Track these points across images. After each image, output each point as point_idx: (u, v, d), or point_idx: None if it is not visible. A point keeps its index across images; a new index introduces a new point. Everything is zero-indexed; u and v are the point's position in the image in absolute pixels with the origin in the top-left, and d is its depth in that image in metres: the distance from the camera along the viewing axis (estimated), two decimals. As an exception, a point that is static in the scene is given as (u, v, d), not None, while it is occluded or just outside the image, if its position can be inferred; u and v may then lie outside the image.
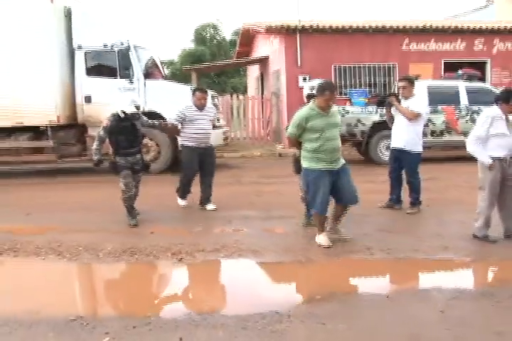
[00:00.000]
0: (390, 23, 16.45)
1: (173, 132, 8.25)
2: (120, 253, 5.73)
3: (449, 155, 13.64)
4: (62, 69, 11.53)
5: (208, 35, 43.85)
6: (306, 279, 5.09)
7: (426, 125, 9.90)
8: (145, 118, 7.48)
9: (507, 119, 5.62)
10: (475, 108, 12.31)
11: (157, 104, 11.32)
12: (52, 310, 4.26)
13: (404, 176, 7.53)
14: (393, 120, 7.51)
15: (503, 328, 3.65)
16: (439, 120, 12.26)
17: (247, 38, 20.90)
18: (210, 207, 7.83)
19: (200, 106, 7.76)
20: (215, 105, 12.56)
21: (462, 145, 13.09)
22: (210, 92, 13.29)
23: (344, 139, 8.91)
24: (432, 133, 12.28)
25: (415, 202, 7.39)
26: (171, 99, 11.13)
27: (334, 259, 5.39)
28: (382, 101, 7.96)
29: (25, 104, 11.33)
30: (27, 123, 11.47)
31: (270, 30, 16.52)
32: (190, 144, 7.75)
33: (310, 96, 6.19)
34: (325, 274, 5.12)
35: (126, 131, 7.02)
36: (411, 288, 4.65)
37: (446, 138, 12.43)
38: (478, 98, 12.29)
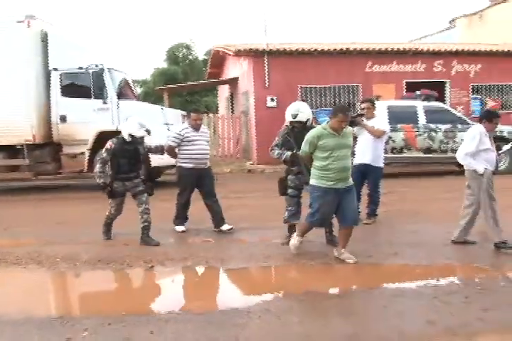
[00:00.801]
0: (353, 46, 17.28)
1: (171, 154, 7.90)
2: (95, 263, 6.18)
3: (406, 171, 14.34)
4: (38, 90, 11.98)
5: (181, 54, 44.40)
6: (265, 282, 5.63)
7: (386, 142, 10.50)
8: (147, 143, 7.39)
9: (490, 136, 6.27)
10: (432, 126, 13.03)
11: (130, 123, 11.77)
12: (36, 312, 4.71)
13: (363, 191, 8.07)
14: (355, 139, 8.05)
15: (436, 318, 4.18)
16: (399, 137, 12.94)
17: (218, 59, 21.55)
18: (225, 227, 7.64)
19: (197, 127, 7.69)
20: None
21: (420, 162, 13.86)
22: (180, 112, 13.85)
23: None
24: (392, 149, 12.92)
25: (372, 213, 7.94)
26: (143, 119, 11.61)
27: (293, 265, 5.92)
28: (351, 122, 8.53)
29: (1, 123, 11.72)
30: (3, 142, 11.85)
31: (239, 53, 17.22)
32: (189, 165, 7.61)
33: (292, 122, 6.54)
34: (283, 278, 5.68)
35: (129, 154, 6.92)
36: (360, 288, 5.19)
37: (406, 154, 13.10)
38: (435, 117, 13.05)
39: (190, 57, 44.49)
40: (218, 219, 7.69)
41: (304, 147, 5.87)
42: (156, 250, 6.66)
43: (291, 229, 6.71)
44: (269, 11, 19.83)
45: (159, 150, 7.70)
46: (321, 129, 5.78)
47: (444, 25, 29.22)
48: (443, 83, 17.86)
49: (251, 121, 17.38)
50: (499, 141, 13.03)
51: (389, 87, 16.82)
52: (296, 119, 6.54)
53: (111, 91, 12.03)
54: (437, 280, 5.20)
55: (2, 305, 4.98)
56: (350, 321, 4.22)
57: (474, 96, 18.06)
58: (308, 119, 6.62)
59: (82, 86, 12.09)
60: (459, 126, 13.09)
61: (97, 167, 6.95)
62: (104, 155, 6.91)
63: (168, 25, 75.03)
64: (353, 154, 7.52)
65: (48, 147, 12.25)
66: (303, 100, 7.73)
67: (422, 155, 13.12)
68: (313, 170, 5.87)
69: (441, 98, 17.00)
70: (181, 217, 7.84)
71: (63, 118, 12.03)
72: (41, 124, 12.03)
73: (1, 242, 7.49)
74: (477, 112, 17.64)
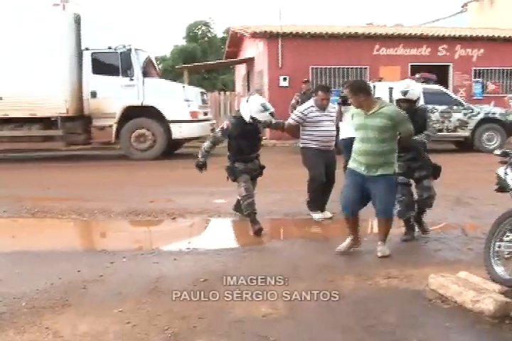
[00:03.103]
0: (362, 30, 18.33)
1: (291, 133, 7.40)
2: (127, 214, 7.52)
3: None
4: (71, 68, 13.30)
5: (200, 32, 45.18)
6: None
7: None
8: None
9: None
10: (430, 107, 14.14)
11: (154, 99, 13.09)
12: (83, 247, 6.10)
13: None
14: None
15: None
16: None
17: (236, 39, 22.72)
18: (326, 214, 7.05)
19: (323, 107, 6.93)
20: (203, 101, 14.38)
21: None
22: (199, 89, 15.11)
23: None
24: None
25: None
26: (166, 95, 13.01)
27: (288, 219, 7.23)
28: (344, 100, 9.61)
29: (38, 98, 13.07)
30: (40, 114, 13.23)
31: (255, 35, 18.40)
32: (313, 146, 6.94)
33: (400, 101, 5.79)
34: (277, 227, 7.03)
35: (249, 135, 6.43)
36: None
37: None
38: (433, 98, 14.10)
39: (209, 34, 45.17)
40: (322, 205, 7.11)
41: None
42: (176, 206, 7.98)
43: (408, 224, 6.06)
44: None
45: (279, 126, 7.02)
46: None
47: (457, 9, 30.01)
48: (446, 66, 18.92)
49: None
50: (492, 122, 14.26)
51: (395, 69, 17.85)
52: (405, 97, 5.71)
53: (137, 69, 13.29)
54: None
55: (56, 242, 6.37)
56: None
57: (476, 79, 19.07)
58: (418, 98, 5.91)
59: (111, 64, 13.37)
60: (455, 107, 14.21)
61: (205, 145, 6.48)
62: (219, 134, 6.46)
63: (188, 2, 75.71)
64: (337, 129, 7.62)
65: (79, 119, 13.61)
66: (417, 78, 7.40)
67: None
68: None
69: (444, 81, 18.10)
70: (315, 200, 6.99)
71: (93, 94, 13.35)
72: (74, 99, 13.38)
73: (47, 198, 8.85)
74: (478, 95, 18.74)
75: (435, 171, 5.97)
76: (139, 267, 5.18)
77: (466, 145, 14.55)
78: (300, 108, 7.10)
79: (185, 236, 6.74)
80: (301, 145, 7.10)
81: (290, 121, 7.00)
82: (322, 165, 6.90)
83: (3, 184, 10.17)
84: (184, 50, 41.24)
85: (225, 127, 6.42)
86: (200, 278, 4.67)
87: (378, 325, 3.71)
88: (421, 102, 13.84)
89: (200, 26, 44.97)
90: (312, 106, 6.97)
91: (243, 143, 6.42)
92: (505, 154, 4.57)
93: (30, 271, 5.10)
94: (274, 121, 6.71)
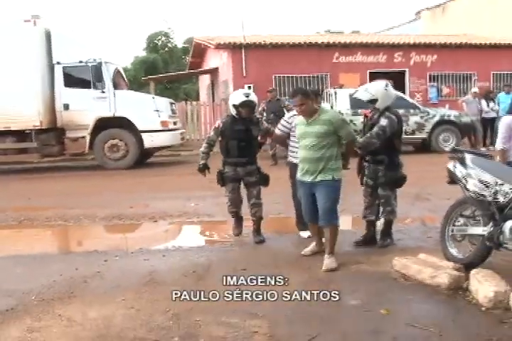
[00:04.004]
0: (322, 39, 19.15)
1: (280, 143, 6.97)
2: (110, 219, 7.98)
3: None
4: (43, 81, 13.61)
5: (160, 43, 45.65)
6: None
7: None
8: (265, 124, 6.57)
9: None
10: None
11: (125, 110, 13.49)
12: (75, 249, 6.61)
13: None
14: None
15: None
16: (359, 121, 14.81)
17: (199, 50, 23.29)
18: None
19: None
20: (173, 111, 14.90)
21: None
22: (168, 99, 15.60)
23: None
24: (354, 131, 14.79)
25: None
26: (137, 106, 13.53)
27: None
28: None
29: (12, 111, 13.33)
30: (14, 127, 13.52)
31: (219, 46, 19.00)
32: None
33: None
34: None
35: (239, 135, 6.15)
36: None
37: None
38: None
39: (169, 45, 45.65)
40: None
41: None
42: (157, 210, 8.47)
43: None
44: (244, 4, 21.55)
45: (269, 132, 6.52)
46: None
47: (411, 17, 31.16)
48: (403, 72, 19.83)
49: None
50: (447, 124, 15.12)
51: (354, 77, 18.64)
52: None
53: (108, 82, 13.69)
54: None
55: (48, 246, 6.84)
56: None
57: (431, 84, 20.04)
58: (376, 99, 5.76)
59: (82, 77, 13.72)
60: (412, 111, 15.00)
61: (202, 147, 6.41)
62: (211, 134, 6.36)
63: (146, 14, 76.13)
64: None
65: (53, 132, 13.91)
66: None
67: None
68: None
69: (401, 86, 18.99)
70: (301, 218, 6.14)
71: (66, 106, 13.70)
72: (47, 111, 13.68)
73: (30, 208, 9.22)
74: (434, 99, 19.70)
75: (398, 180, 5.90)
76: (131, 263, 5.68)
77: (424, 147, 15.33)
78: (286, 116, 6.51)
79: (169, 237, 7.27)
80: (288, 158, 6.42)
81: (276, 131, 6.41)
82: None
83: (-16, 195, 10.53)
84: (145, 60, 41.68)
85: (216, 125, 6.32)
86: (189, 270, 5.22)
87: (351, 300, 4.31)
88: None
89: (159, 37, 45.40)
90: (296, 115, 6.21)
91: (232, 144, 6.18)
92: (454, 151, 5.27)
93: (31, 271, 5.55)
94: (265, 124, 6.52)
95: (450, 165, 5.14)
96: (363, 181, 5.99)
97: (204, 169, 6.30)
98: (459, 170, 4.95)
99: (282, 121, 6.31)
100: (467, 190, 4.83)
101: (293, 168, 6.00)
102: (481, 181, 4.67)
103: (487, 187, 4.60)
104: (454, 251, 4.98)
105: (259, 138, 6.40)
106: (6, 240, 7.51)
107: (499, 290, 3.99)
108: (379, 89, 5.78)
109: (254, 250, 6.07)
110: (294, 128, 5.71)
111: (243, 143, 6.15)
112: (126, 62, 53.07)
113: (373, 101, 5.76)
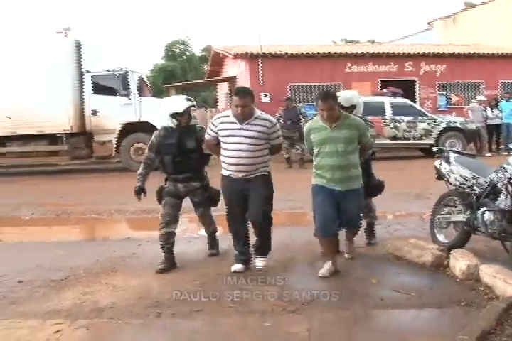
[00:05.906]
0: (335, 49, 20.00)
1: (214, 152, 5.66)
2: (140, 213, 8.86)
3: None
4: (74, 89, 14.67)
5: (178, 51, 46.57)
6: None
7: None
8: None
9: None
10: (397, 118, 15.74)
11: (149, 116, 14.42)
12: (112, 235, 7.50)
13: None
14: None
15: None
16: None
17: (217, 59, 24.30)
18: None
19: (240, 117, 5.16)
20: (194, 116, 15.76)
21: (387, 147, 16.45)
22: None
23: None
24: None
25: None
26: (160, 113, 14.38)
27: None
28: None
29: (45, 116, 14.37)
30: (47, 131, 14.55)
31: (237, 56, 19.94)
32: (225, 173, 5.38)
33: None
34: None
35: (172, 149, 5.45)
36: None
37: (376, 141, 15.80)
38: (400, 110, 15.78)
39: (187, 53, 46.49)
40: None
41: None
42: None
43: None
44: (262, 14, 22.52)
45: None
46: (312, 121, 5.24)
47: (424, 27, 31.90)
48: (413, 81, 20.60)
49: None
50: (453, 130, 15.89)
51: (366, 85, 19.42)
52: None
53: (133, 89, 14.68)
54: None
55: (85, 234, 7.75)
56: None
57: (440, 92, 20.80)
58: (353, 106, 5.76)
59: (110, 85, 14.75)
60: (420, 117, 15.83)
61: (140, 166, 5.72)
62: (146, 152, 5.69)
63: (164, 22, 77.56)
64: None
65: (82, 135, 14.98)
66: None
67: (389, 142, 15.83)
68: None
69: (411, 94, 19.78)
70: (236, 245, 5.58)
71: (94, 112, 14.72)
72: (77, 117, 14.75)
73: (64, 204, 10.14)
74: (443, 106, 20.47)
75: (374, 189, 6.02)
76: (161, 247, 6.56)
77: (431, 152, 16.00)
78: (213, 118, 5.52)
79: (193, 227, 8.14)
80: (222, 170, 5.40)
81: (206, 136, 5.43)
82: (238, 202, 5.27)
83: (21, 193, 11.49)
84: (164, 68, 42.35)
85: (151, 142, 5.60)
86: (208, 253, 6.08)
87: (349, 275, 5.16)
88: (389, 114, 14.79)
89: (177, 45, 46.22)
90: (227, 116, 5.23)
91: (166, 159, 5.48)
92: (440, 151, 6.12)
93: (72, 253, 6.43)
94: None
95: (437, 162, 5.99)
96: None
97: (140, 192, 5.66)
98: (444, 167, 5.80)
99: (209, 124, 5.33)
100: (450, 183, 5.68)
101: (221, 181, 5.35)
102: (461, 176, 5.51)
103: (466, 180, 5.44)
104: (440, 237, 5.81)
105: (203, 148, 5.54)
106: (47, 230, 8.46)
107: (471, 264, 4.81)
108: (356, 97, 5.94)
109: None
110: (221, 132, 5.17)
111: (178, 159, 5.44)
112: (145, 69, 54.19)
113: (352, 107, 5.72)
